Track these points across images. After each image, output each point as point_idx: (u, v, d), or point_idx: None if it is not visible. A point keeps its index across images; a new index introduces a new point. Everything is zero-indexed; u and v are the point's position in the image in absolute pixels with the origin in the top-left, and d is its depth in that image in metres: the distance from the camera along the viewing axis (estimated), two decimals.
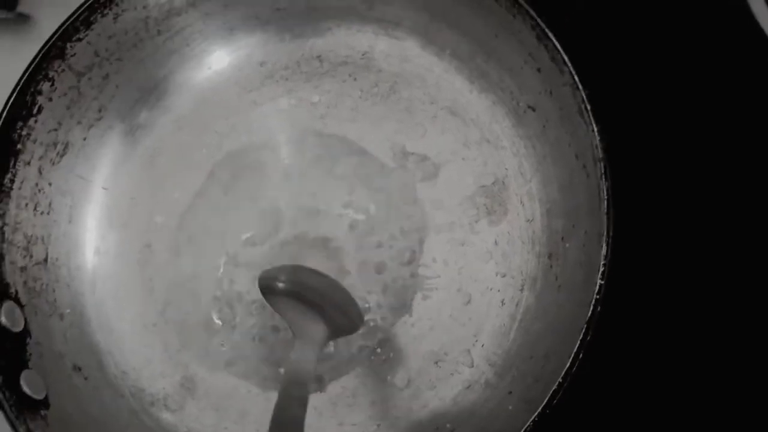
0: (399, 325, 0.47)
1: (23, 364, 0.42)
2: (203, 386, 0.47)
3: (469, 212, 0.48)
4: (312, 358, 0.38)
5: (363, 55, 0.51)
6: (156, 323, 0.49)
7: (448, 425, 0.44)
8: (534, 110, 0.46)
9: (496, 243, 0.47)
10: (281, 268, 0.42)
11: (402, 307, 0.47)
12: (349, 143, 0.50)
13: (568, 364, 0.36)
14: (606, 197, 0.38)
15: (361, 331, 0.45)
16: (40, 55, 0.45)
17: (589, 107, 0.39)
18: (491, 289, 0.46)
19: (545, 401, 0.36)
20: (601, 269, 0.37)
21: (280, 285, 0.39)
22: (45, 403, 0.42)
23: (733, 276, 0.47)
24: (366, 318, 0.47)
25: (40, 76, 0.45)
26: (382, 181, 0.49)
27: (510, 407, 0.41)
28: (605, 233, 0.37)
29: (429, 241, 0.48)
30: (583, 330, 0.36)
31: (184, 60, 0.51)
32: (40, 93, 0.46)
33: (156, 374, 0.48)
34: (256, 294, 0.47)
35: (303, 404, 0.36)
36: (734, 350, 0.46)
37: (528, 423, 0.36)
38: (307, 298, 0.39)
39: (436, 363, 0.46)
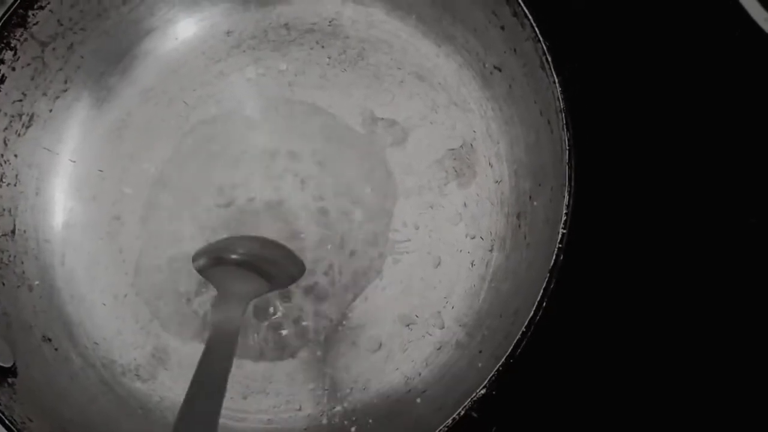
0: (370, 289, 0.46)
1: None
2: (175, 356, 0.47)
3: (438, 175, 0.48)
4: (236, 313, 0.39)
5: (330, 22, 0.51)
6: (127, 294, 0.48)
7: (420, 386, 0.44)
8: (500, 71, 0.46)
9: (465, 205, 0.47)
10: (208, 246, 0.45)
11: (372, 271, 0.47)
12: (318, 110, 0.50)
13: (531, 313, 0.36)
14: (567, 147, 0.38)
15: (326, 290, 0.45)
16: (1, 22, 0.44)
17: (549, 59, 0.39)
18: (461, 251, 0.46)
19: (509, 350, 0.36)
20: (564, 218, 0.37)
21: (202, 262, 0.43)
22: (13, 372, 0.42)
23: (695, 227, 0.48)
24: (336, 283, 0.47)
25: (2, 45, 0.45)
26: (352, 147, 0.49)
27: (480, 365, 0.41)
28: (567, 183, 0.37)
29: (399, 206, 0.48)
30: (546, 278, 0.36)
31: (149, 30, 0.51)
32: (2, 62, 0.45)
33: (127, 345, 0.47)
34: None
35: (228, 359, 0.37)
36: (702, 299, 0.47)
37: (492, 372, 0.36)
38: (230, 261, 0.42)
39: (408, 326, 0.46)
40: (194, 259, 0.44)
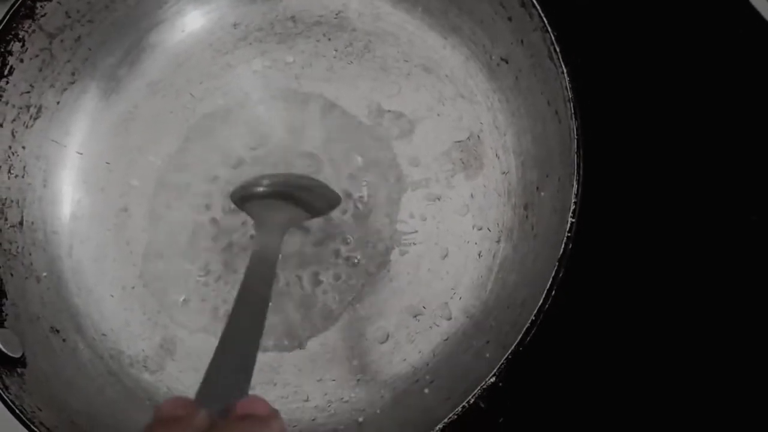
0: (377, 280, 0.47)
1: None
2: (183, 347, 0.47)
3: (445, 167, 0.48)
4: (276, 239, 0.40)
5: (337, 14, 0.51)
6: (134, 286, 0.48)
7: (427, 377, 0.44)
8: (507, 62, 0.46)
9: (472, 196, 0.47)
10: (244, 182, 0.45)
11: (380, 262, 0.47)
12: (325, 102, 0.50)
13: (540, 302, 0.36)
14: (576, 137, 0.38)
15: (334, 281, 0.45)
16: (10, 13, 0.44)
17: (558, 48, 0.39)
18: (468, 242, 0.46)
19: (518, 339, 0.36)
20: (572, 207, 0.37)
21: (238, 196, 0.44)
22: (22, 362, 0.42)
23: (701, 217, 0.48)
24: (343, 274, 0.47)
25: (10, 36, 0.45)
26: (359, 139, 0.49)
27: (487, 355, 0.41)
28: (575, 172, 0.37)
29: (406, 197, 0.48)
30: (555, 267, 0.36)
31: (157, 22, 0.51)
32: (10, 53, 0.45)
33: (135, 336, 0.48)
34: (234, 255, 0.47)
35: (269, 283, 0.37)
36: (705, 294, 0.47)
37: (502, 361, 0.36)
38: (264, 193, 0.43)
39: (415, 317, 0.46)
40: (232, 196, 0.45)
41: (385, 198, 0.48)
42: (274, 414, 0.29)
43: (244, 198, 0.44)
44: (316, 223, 0.47)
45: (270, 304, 0.37)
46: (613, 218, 0.48)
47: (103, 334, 0.47)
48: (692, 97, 0.50)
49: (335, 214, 0.47)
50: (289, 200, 0.44)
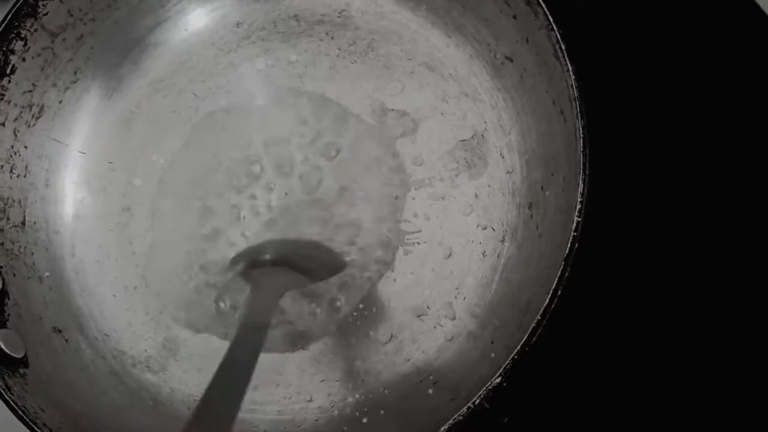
0: (381, 280, 0.46)
1: (1, 324, 0.42)
2: (186, 347, 0.47)
3: (449, 166, 0.48)
4: (268, 305, 0.40)
5: (340, 13, 0.51)
6: (137, 286, 0.48)
7: (431, 377, 0.44)
8: (511, 61, 0.46)
9: (476, 196, 0.47)
10: (244, 251, 0.46)
11: (384, 262, 0.46)
12: (328, 101, 0.49)
13: (546, 301, 0.36)
14: (582, 136, 0.38)
15: (339, 282, 0.45)
16: (12, 12, 0.44)
17: (563, 47, 0.38)
18: (472, 242, 0.46)
19: (524, 339, 0.36)
20: (578, 206, 0.37)
21: (240, 267, 0.44)
22: (24, 362, 0.42)
23: (708, 217, 0.48)
24: (347, 275, 0.46)
25: (12, 35, 0.45)
26: (362, 138, 0.48)
27: (492, 355, 0.41)
28: (581, 172, 0.37)
29: (409, 197, 0.47)
30: (561, 267, 0.36)
31: (159, 21, 0.51)
32: (13, 52, 0.45)
33: (137, 336, 0.47)
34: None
35: (256, 351, 0.37)
36: (712, 296, 0.47)
37: (507, 361, 0.35)
38: (264, 261, 0.43)
39: (419, 317, 0.46)
40: (232, 263, 0.45)
41: (388, 197, 0.47)
42: None
43: (247, 266, 0.44)
44: (321, 221, 0.47)
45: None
46: (620, 217, 0.47)
47: (106, 335, 0.47)
48: (698, 96, 0.50)
49: (339, 214, 0.47)
50: (290, 266, 0.43)
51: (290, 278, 0.43)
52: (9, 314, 0.43)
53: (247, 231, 0.48)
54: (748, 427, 0.45)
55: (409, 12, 0.50)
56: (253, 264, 0.43)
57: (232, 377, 0.34)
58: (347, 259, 0.46)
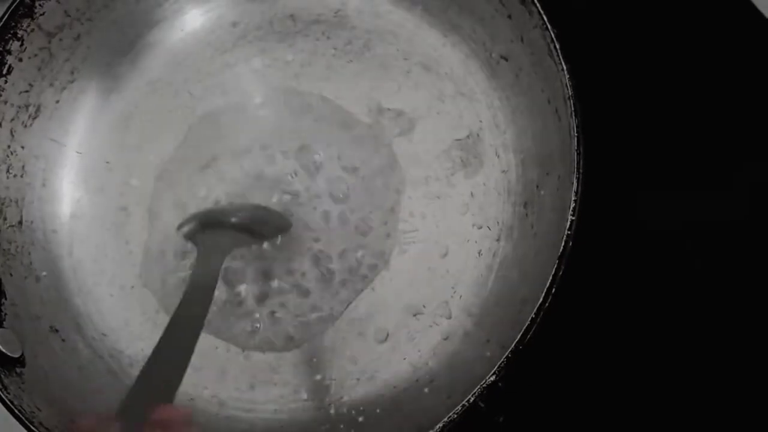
0: (377, 279, 0.46)
1: None
2: None
3: (445, 165, 0.48)
4: (214, 263, 0.41)
5: (336, 12, 0.51)
6: (134, 286, 0.48)
7: (427, 376, 0.44)
8: (507, 60, 0.46)
9: (472, 195, 0.47)
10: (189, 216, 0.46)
11: (380, 261, 0.47)
12: (325, 101, 0.50)
13: (540, 300, 0.36)
14: (576, 134, 0.38)
15: (336, 281, 0.45)
16: (8, 12, 0.44)
17: (558, 46, 0.39)
18: (468, 241, 0.46)
19: (518, 338, 0.36)
20: (572, 205, 0.37)
21: (185, 229, 0.44)
22: (21, 362, 0.42)
23: (705, 218, 0.48)
24: (345, 273, 0.47)
25: (9, 35, 0.45)
26: (358, 138, 0.49)
27: (488, 354, 0.41)
28: (576, 170, 0.37)
29: (406, 196, 0.47)
30: (556, 265, 0.36)
31: (156, 21, 0.51)
32: (9, 52, 0.45)
33: (134, 336, 0.47)
34: (233, 256, 0.47)
35: (203, 308, 0.38)
36: (706, 293, 0.47)
37: (501, 360, 0.36)
38: (210, 223, 0.44)
39: (415, 316, 0.46)
40: (178, 227, 0.45)
41: (384, 197, 0.47)
42: (188, 420, 0.31)
43: (190, 231, 0.44)
44: (317, 220, 0.47)
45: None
46: (614, 216, 0.47)
47: (103, 334, 0.47)
48: (693, 95, 0.50)
49: (335, 212, 0.47)
50: (231, 227, 0.44)
51: (235, 238, 0.44)
52: (6, 314, 0.43)
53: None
54: (746, 427, 0.45)
55: (405, 12, 0.50)
56: (199, 226, 0.44)
57: (179, 338, 0.36)
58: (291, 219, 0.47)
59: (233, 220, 0.45)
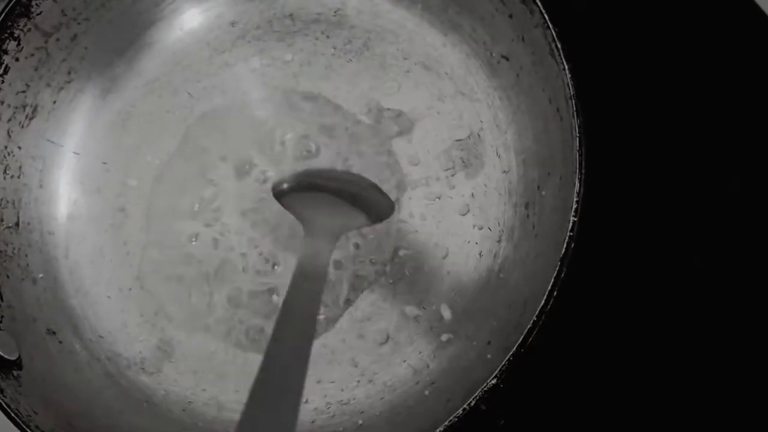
0: (377, 280, 0.46)
1: None
2: (181, 349, 0.47)
3: (445, 166, 0.47)
4: (325, 249, 0.36)
5: (335, 12, 0.50)
6: (132, 287, 0.48)
7: (427, 379, 0.44)
8: (507, 59, 0.45)
9: (473, 196, 0.47)
10: (291, 175, 0.41)
11: (380, 263, 0.46)
12: (324, 101, 0.49)
13: (542, 302, 0.36)
14: (578, 134, 0.37)
15: (334, 281, 0.44)
16: (5, 12, 0.44)
17: (559, 45, 0.38)
18: (469, 242, 0.46)
19: (520, 340, 0.35)
20: (574, 206, 0.36)
21: (285, 186, 0.39)
22: (18, 365, 0.41)
23: (707, 218, 0.47)
24: (342, 276, 0.46)
25: (5, 35, 0.44)
26: (358, 138, 0.48)
27: (489, 356, 0.41)
28: (577, 171, 0.37)
29: (406, 196, 0.47)
30: (558, 267, 0.36)
31: (154, 21, 0.50)
32: (5, 52, 0.45)
33: (132, 338, 0.47)
34: (233, 257, 0.46)
35: (317, 298, 0.33)
36: (708, 295, 0.46)
37: (503, 362, 0.35)
38: (319, 186, 0.38)
39: (415, 318, 0.45)
40: (274, 188, 0.40)
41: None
42: None
43: (291, 189, 0.38)
44: None
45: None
46: (616, 217, 0.47)
47: (100, 336, 0.47)
48: (695, 94, 0.49)
49: None
50: (346, 200, 0.39)
51: (348, 216, 0.39)
52: (2, 316, 0.43)
53: (244, 230, 0.48)
54: (746, 428, 0.45)
55: (405, 11, 0.49)
56: (299, 187, 0.39)
57: (292, 331, 0.31)
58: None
59: (352, 190, 0.39)
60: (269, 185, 0.48)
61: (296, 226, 0.46)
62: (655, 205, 0.48)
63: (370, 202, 0.40)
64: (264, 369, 0.29)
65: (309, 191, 0.38)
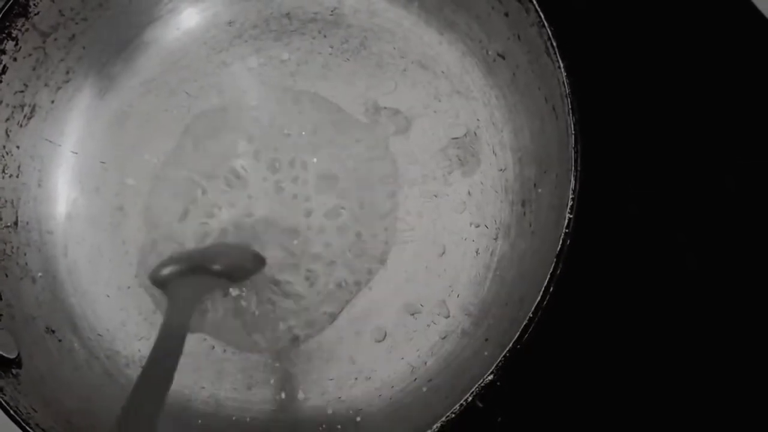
0: (375, 278, 0.46)
1: None
2: None
3: (442, 164, 0.47)
4: (185, 313, 0.41)
5: (332, 11, 0.51)
6: (130, 286, 0.48)
7: (425, 375, 0.44)
8: (503, 58, 0.46)
9: (469, 194, 0.47)
10: (156, 266, 0.44)
11: (377, 261, 0.46)
12: (321, 100, 0.49)
13: (538, 299, 0.36)
14: (573, 132, 0.38)
15: (333, 280, 0.45)
16: (3, 12, 0.44)
17: (554, 43, 0.38)
18: (466, 240, 0.46)
19: (516, 337, 0.36)
20: (570, 203, 0.37)
21: (151, 279, 0.43)
22: (17, 363, 0.42)
23: (702, 217, 0.48)
24: (341, 272, 0.46)
25: (3, 35, 0.45)
26: (356, 137, 0.48)
27: (486, 353, 0.41)
28: (573, 168, 0.37)
29: (403, 195, 0.47)
30: (554, 264, 0.36)
31: (151, 20, 0.51)
32: (4, 52, 0.45)
33: (131, 336, 0.47)
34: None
35: (174, 358, 0.38)
36: (703, 292, 0.47)
37: (499, 358, 0.35)
38: (180, 272, 0.43)
39: (413, 315, 0.46)
40: (150, 278, 0.44)
41: (381, 196, 0.47)
42: None
43: (161, 281, 0.43)
44: (315, 219, 0.47)
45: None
46: (611, 214, 0.47)
47: (99, 335, 0.47)
48: (690, 94, 0.50)
49: (331, 210, 0.47)
50: (204, 273, 0.43)
51: (206, 284, 0.43)
52: (2, 315, 0.43)
53: (242, 229, 0.48)
54: (746, 426, 0.45)
55: (402, 9, 0.50)
56: (165, 278, 0.43)
57: (152, 384, 0.36)
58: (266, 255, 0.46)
59: (215, 267, 0.43)
60: (269, 183, 0.48)
61: (292, 224, 0.46)
62: (650, 203, 0.48)
63: (234, 267, 0.44)
64: (120, 417, 0.34)
65: (175, 278, 0.43)
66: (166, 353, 0.38)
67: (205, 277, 0.43)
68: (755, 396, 0.45)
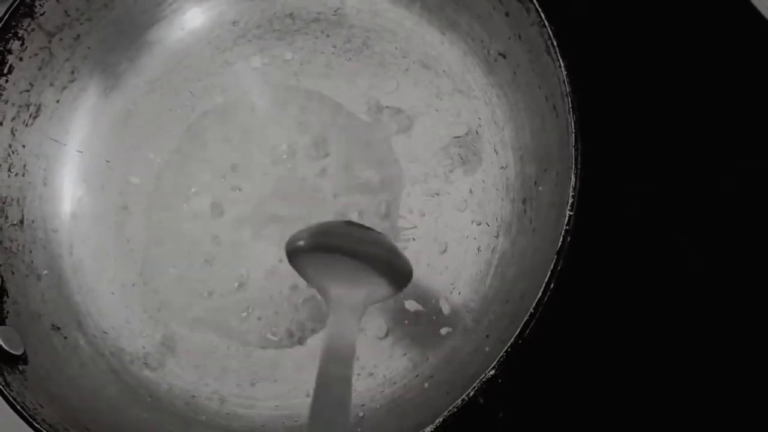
0: None
1: (0, 321, 0.42)
2: (183, 344, 0.47)
3: (443, 163, 0.48)
4: (351, 329, 0.33)
5: (335, 11, 0.51)
6: (135, 283, 0.49)
7: (427, 371, 0.45)
8: (504, 57, 0.46)
9: (471, 192, 0.47)
10: (306, 229, 0.36)
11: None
12: (324, 99, 0.50)
13: (539, 295, 0.36)
14: (574, 131, 0.38)
15: None
16: (9, 12, 0.44)
17: (555, 43, 0.39)
18: (467, 237, 0.46)
19: (517, 332, 0.36)
20: (570, 201, 0.37)
21: (301, 243, 0.34)
22: (23, 359, 0.42)
23: (703, 213, 0.48)
24: None
25: (10, 35, 0.45)
26: (357, 136, 0.49)
27: (487, 349, 0.41)
28: (573, 166, 0.38)
29: (405, 193, 0.48)
30: (554, 260, 0.36)
31: (156, 20, 0.51)
32: (10, 52, 0.45)
33: (135, 333, 0.48)
34: (234, 254, 0.47)
35: (346, 382, 0.32)
36: (704, 289, 0.47)
37: (501, 354, 0.36)
38: (334, 247, 0.34)
39: (414, 312, 0.46)
40: (289, 243, 0.35)
41: (383, 194, 0.48)
42: None
43: (307, 248, 0.34)
44: (318, 218, 0.47)
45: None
46: (612, 212, 0.48)
47: (104, 332, 0.48)
48: (690, 92, 0.50)
49: (335, 211, 0.48)
50: (368, 265, 0.35)
51: (372, 285, 0.35)
52: (8, 312, 0.44)
53: (244, 229, 0.48)
54: (746, 426, 0.45)
55: (404, 9, 0.50)
56: (318, 246, 0.34)
57: (330, 415, 0.31)
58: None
59: (372, 252, 0.35)
60: (269, 183, 0.48)
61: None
62: (651, 204, 0.48)
63: (391, 268, 0.36)
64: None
65: (326, 252, 0.34)
66: (338, 365, 0.32)
67: (371, 275, 0.35)
68: (755, 396, 0.45)
